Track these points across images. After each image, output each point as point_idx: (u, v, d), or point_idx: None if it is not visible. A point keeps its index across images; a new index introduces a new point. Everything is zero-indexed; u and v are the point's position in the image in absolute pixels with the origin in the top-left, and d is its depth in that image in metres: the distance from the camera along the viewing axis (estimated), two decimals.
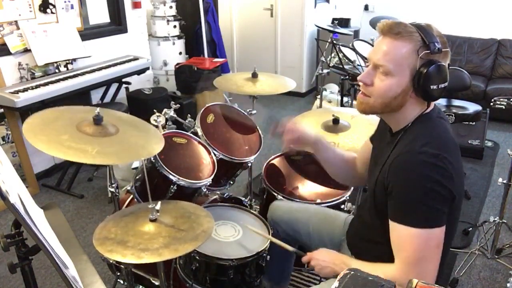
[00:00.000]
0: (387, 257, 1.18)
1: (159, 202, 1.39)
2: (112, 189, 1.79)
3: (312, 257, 1.39)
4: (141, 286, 1.93)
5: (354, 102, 3.65)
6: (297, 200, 1.84)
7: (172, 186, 1.71)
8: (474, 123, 3.51)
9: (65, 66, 3.35)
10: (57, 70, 3.31)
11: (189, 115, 2.17)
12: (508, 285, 1.86)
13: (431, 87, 1.13)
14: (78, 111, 1.60)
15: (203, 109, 2.07)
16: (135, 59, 3.79)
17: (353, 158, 1.60)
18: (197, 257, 1.57)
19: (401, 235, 1.13)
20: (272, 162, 2.13)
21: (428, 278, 1.11)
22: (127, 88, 3.85)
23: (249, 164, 2.06)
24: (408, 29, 1.14)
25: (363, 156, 1.50)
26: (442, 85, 1.15)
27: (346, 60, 3.40)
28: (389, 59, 1.14)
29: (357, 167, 1.58)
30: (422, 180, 1.10)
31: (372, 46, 1.34)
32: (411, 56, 1.13)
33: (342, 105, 3.85)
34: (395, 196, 1.14)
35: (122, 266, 1.76)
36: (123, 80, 3.69)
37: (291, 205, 1.79)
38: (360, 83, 1.23)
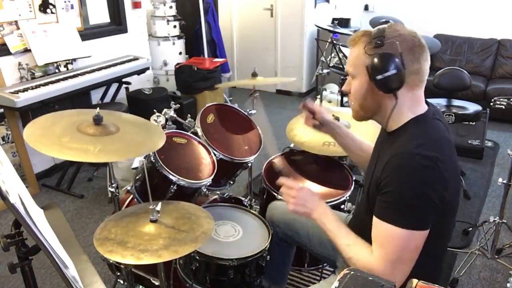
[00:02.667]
0: None
1: (160, 203, 1.39)
2: (112, 189, 1.79)
3: (293, 193, 1.38)
4: (141, 286, 1.93)
5: None
6: None
7: (172, 186, 1.71)
8: (474, 123, 3.52)
9: (65, 66, 3.35)
10: (57, 70, 3.31)
11: (189, 115, 2.17)
12: (508, 285, 1.86)
13: (377, 77, 1.16)
14: (76, 114, 1.60)
15: (203, 109, 2.07)
16: (135, 59, 3.79)
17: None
18: (197, 257, 1.57)
19: (383, 232, 1.15)
20: (272, 162, 2.13)
21: (401, 276, 1.14)
22: (127, 88, 3.85)
23: (249, 164, 2.06)
24: (359, 35, 1.24)
25: None
26: (389, 73, 1.14)
27: (346, 60, 3.40)
28: (349, 63, 1.28)
29: None
30: (413, 182, 1.11)
31: None
32: (361, 55, 1.22)
33: (342, 105, 3.85)
34: (385, 194, 1.16)
35: (122, 266, 1.76)
36: (123, 80, 3.69)
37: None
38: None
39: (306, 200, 1.37)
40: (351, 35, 1.28)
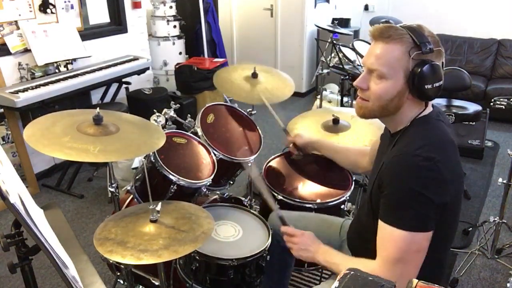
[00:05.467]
0: None
1: (160, 203, 1.39)
2: (112, 189, 1.79)
3: (295, 239, 1.44)
4: (141, 286, 1.93)
5: (354, 102, 3.64)
6: (297, 200, 1.84)
7: (172, 186, 1.71)
8: (474, 123, 3.51)
9: (65, 66, 3.35)
10: (57, 70, 3.31)
11: (189, 115, 2.17)
12: (508, 285, 1.86)
13: (426, 86, 1.14)
14: (76, 114, 1.60)
15: (203, 109, 2.06)
16: (135, 59, 3.79)
17: (359, 151, 1.69)
18: (197, 257, 1.57)
19: (385, 234, 1.15)
20: (272, 162, 2.13)
21: (405, 279, 1.11)
22: (127, 88, 3.85)
23: (249, 164, 2.06)
24: (398, 31, 1.15)
25: (374, 153, 1.51)
26: (437, 84, 1.16)
27: (346, 60, 3.40)
28: (382, 62, 1.16)
29: (366, 160, 1.66)
30: (413, 183, 1.11)
31: None
32: (404, 58, 1.15)
33: (342, 105, 3.85)
34: (386, 196, 1.16)
35: (122, 266, 1.76)
36: (123, 80, 3.69)
37: (289, 215, 1.79)
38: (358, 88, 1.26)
39: (308, 244, 1.41)
40: (381, 27, 1.17)
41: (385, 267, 1.13)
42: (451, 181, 1.13)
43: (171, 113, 2.07)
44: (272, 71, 2.36)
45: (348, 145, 1.87)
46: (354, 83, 1.26)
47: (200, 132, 1.94)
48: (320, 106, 3.87)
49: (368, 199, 1.29)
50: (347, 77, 3.46)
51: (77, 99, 3.45)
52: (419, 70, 1.13)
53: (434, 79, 1.14)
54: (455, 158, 1.18)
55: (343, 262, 1.29)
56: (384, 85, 1.18)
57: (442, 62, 1.19)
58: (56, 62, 3.29)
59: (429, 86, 1.14)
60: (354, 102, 3.66)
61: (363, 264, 1.21)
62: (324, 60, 3.79)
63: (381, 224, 1.16)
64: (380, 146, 1.42)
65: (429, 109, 1.24)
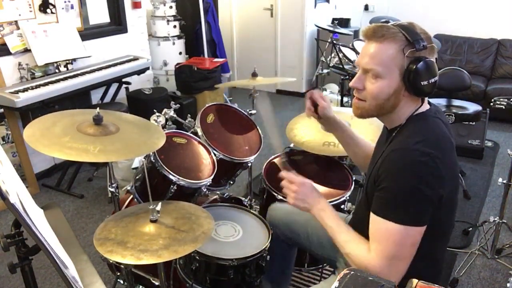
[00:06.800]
0: None
1: (160, 203, 1.39)
2: (112, 189, 1.79)
3: (294, 187, 1.36)
4: (141, 286, 1.93)
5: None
6: None
7: (172, 186, 1.71)
8: (474, 123, 3.52)
9: (65, 66, 3.35)
10: (57, 70, 3.31)
11: (189, 115, 2.17)
12: (508, 285, 1.86)
13: (422, 83, 1.15)
14: (76, 114, 1.60)
15: (203, 109, 2.06)
16: (135, 59, 3.79)
17: (370, 147, 1.61)
18: (197, 257, 1.57)
19: (379, 228, 1.15)
20: (272, 162, 2.13)
21: (397, 273, 1.14)
22: (127, 88, 3.85)
23: (249, 164, 2.06)
24: (391, 30, 1.16)
25: None
26: (433, 80, 1.17)
27: (346, 60, 3.40)
28: (377, 62, 1.17)
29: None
30: (410, 178, 1.11)
31: None
32: (398, 56, 1.15)
33: (342, 105, 3.85)
34: (381, 189, 1.16)
35: (122, 266, 1.76)
36: (123, 80, 3.69)
37: (289, 207, 1.79)
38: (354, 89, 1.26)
39: (306, 195, 1.35)
40: (373, 27, 1.18)
41: (381, 261, 1.13)
42: (447, 176, 1.13)
43: (171, 113, 2.07)
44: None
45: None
46: (350, 84, 1.27)
47: (200, 132, 1.94)
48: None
49: (365, 194, 1.29)
50: (347, 77, 3.46)
51: (77, 99, 3.45)
52: (414, 67, 1.14)
53: (430, 75, 1.15)
54: (451, 155, 1.19)
55: (337, 229, 1.27)
56: (380, 84, 1.18)
57: (436, 58, 1.20)
58: (56, 62, 3.29)
59: (425, 83, 1.15)
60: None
61: (357, 245, 1.21)
62: (324, 60, 3.80)
63: (374, 218, 1.16)
64: (377, 141, 1.43)
65: (426, 106, 1.25)
